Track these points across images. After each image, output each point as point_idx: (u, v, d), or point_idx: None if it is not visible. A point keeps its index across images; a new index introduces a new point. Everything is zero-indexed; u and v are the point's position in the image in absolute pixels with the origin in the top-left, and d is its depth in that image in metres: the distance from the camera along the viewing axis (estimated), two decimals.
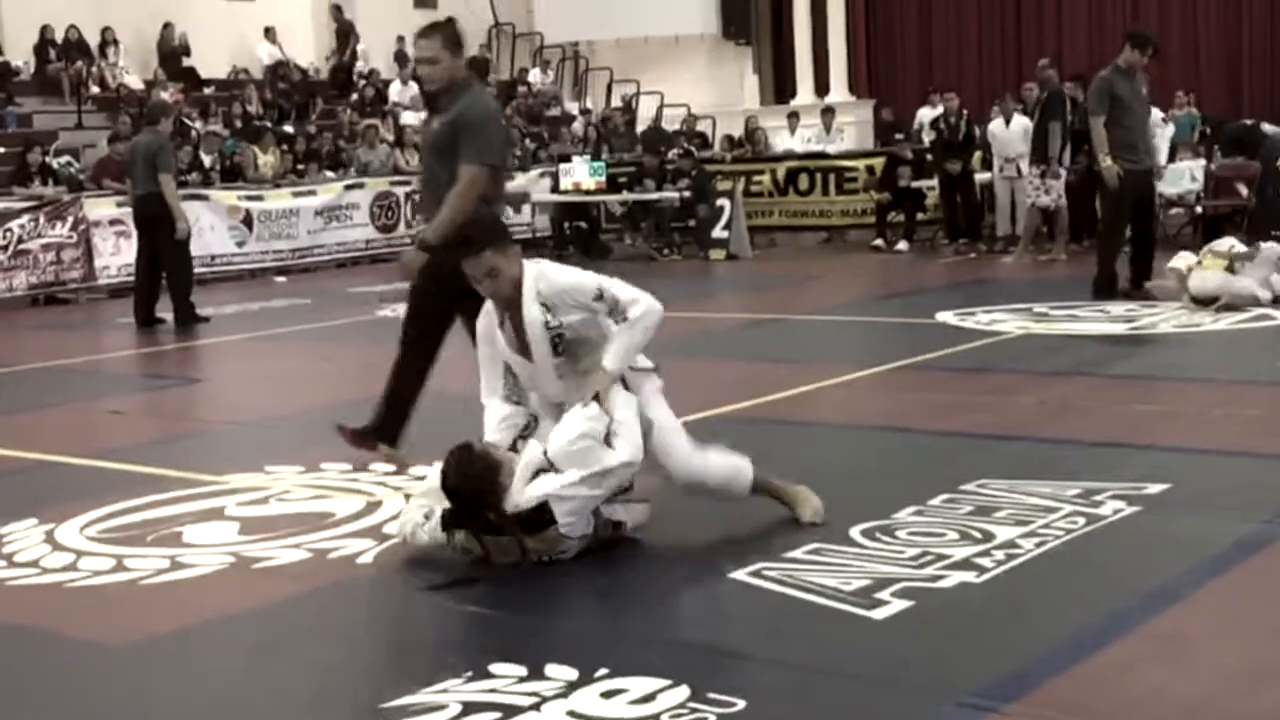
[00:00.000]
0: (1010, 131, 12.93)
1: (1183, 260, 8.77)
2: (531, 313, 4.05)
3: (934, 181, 14.06)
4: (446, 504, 3.96)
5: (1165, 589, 3.55)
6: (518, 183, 16.84)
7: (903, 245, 14.25)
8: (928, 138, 14.70)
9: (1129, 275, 9.48)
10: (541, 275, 4.10)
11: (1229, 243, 8.71)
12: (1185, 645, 3.21)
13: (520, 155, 18.21)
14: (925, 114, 16.09)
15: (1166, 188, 12.00)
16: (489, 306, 4.20)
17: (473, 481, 3.88)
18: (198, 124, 16.45)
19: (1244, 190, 12.77)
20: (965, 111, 13.93)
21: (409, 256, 5.15)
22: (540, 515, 3.85)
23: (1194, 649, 3.19)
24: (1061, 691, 2.94)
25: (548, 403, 4.19)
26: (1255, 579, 3.67)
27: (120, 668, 3.46)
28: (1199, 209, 13.15)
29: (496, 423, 4.17)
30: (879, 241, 14.44)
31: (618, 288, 4.11)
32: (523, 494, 3.85)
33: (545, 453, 3.91)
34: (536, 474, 3.89)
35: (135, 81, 17.69)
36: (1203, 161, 13.53)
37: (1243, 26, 18.80)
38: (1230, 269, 8.46)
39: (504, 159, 5.41)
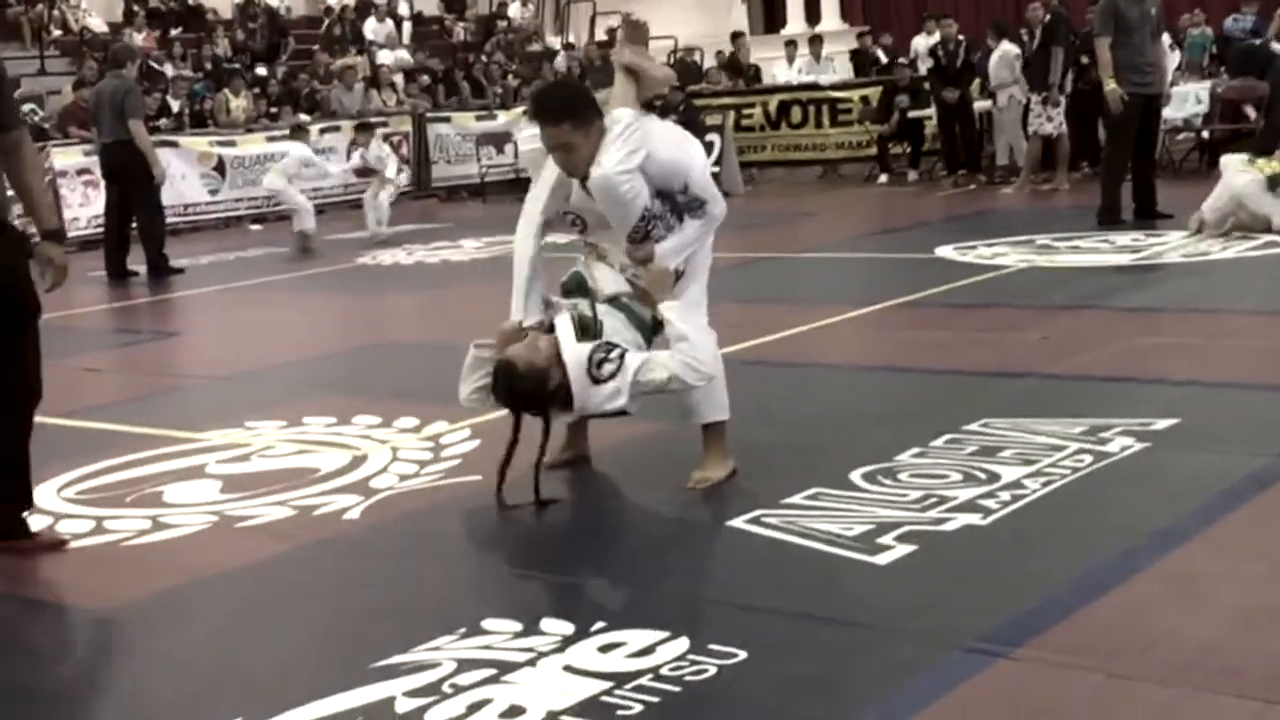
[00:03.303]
0: (991, 61, 12.71)
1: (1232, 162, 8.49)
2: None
3: (931, 111, 13.86)
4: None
5: (1175, 528, 3.47)
6: (500, 122, 16.62)
7: (912, 175, 14.09)
8: (924, 66, 14.47)
9: (1133, 203, 9.33)
10: (629, 154, 3.84)
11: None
12: (1197, 585, 3.13)
13: (501, 93, 17.94)
14: (920, 42, 15.81)
15: (1171, 112, 11.78)
16: None
17: (524, 395, 3.89)
18: (166, 67, 16.16)
19: (1252, 113, 12.53)
20: (962, 38, 13.70)
21: None
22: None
23: (1206, 589, 3.11)
24: (1071, 635, 2.87)
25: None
26: (1268, 515, 3.58)
27: (104, 632, 3.40)
28: (1205, 134, 12.93)
29: (531, 239, 4.04)
30: (884, 178, 14.22)
31: (703, 184, 4.01)
32: (596, 399, 3.82)
33: (591, 350, 3.82)
34: (591, 368, 3.80)
35: (99, 24, 17.39)
36: (1209, 83, 13.28)
37: None
38: (1275, 183, 8.19)
39: None
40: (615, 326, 3.91)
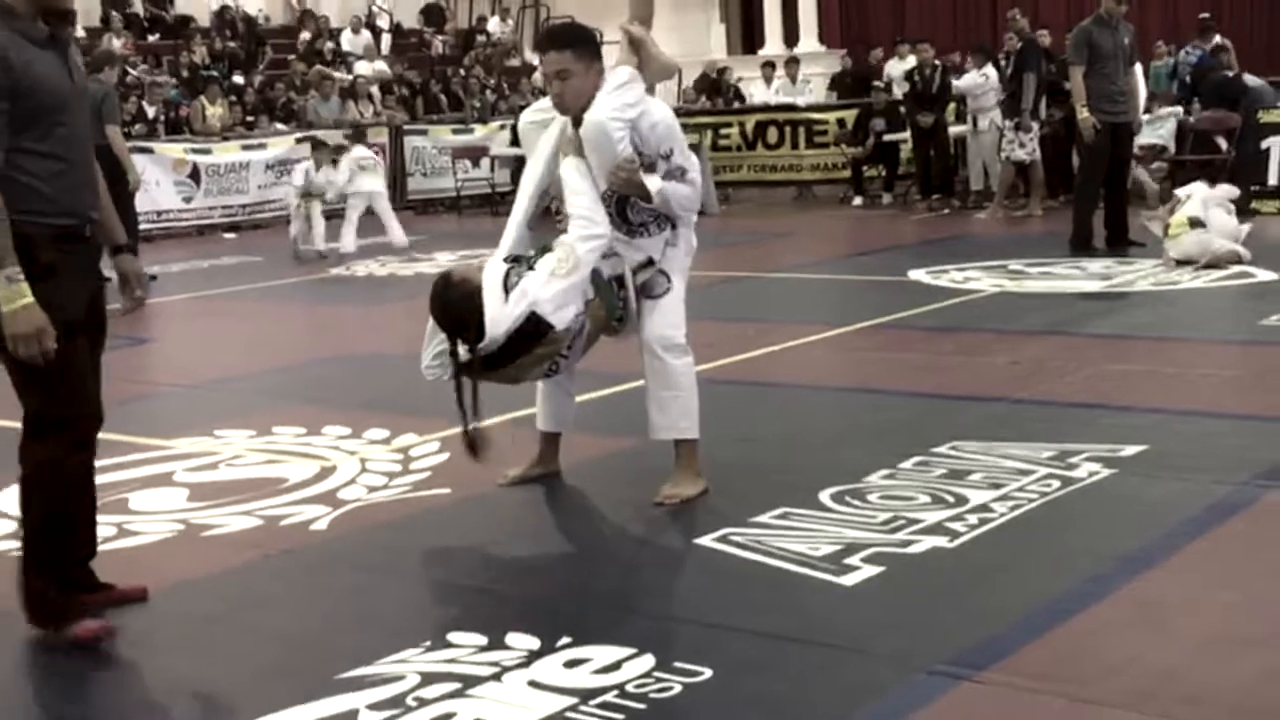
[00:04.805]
0: (976, 83, 12.82)
1: (1157, 223, 8.67)
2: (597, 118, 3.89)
3: (906, 135, 13.94)
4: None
5: (1141, 553, 3.49)
6: (477, 136, 16.59)
7: (886, 198, 14.17)
8: (899, 90, 14.56)
9: (1104, 231, 9.41)
10: (626, 105, 3.92)
11: (1184, 210, 8.55)
12: (1162, 611, 3.15)
13: (479, 107, 17.91)
14: (894, 66, 15.89)
15: (1143, 139, 11.90)
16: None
17: (455, 308, 3.80)
18: (140, 70, 16.07)
19: (1223, 144, 12.65)
20: (938, 63, 13.79)
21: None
22: (535, 327, 3.76)
23: (1171, 614, 3.13)
24: (1035, 658, 2.88)
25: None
26: (1233, 542, 3.61)
27: (65, 640, 3.33)
28: (1175, 158, 13.01)
29: (528, 198, 4.13)
30: (858, 200, 14.29)
31: (685, 154, 4.09)
32: (505, 314, 3.74)
33: (508, 269, 3.82)
34: (505, 282, 3.78)
35: (77, 30, 17.28)
36: (1180, 109, 13.41)
37: None
38: (1195, 224, 8.33)
39: None
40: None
